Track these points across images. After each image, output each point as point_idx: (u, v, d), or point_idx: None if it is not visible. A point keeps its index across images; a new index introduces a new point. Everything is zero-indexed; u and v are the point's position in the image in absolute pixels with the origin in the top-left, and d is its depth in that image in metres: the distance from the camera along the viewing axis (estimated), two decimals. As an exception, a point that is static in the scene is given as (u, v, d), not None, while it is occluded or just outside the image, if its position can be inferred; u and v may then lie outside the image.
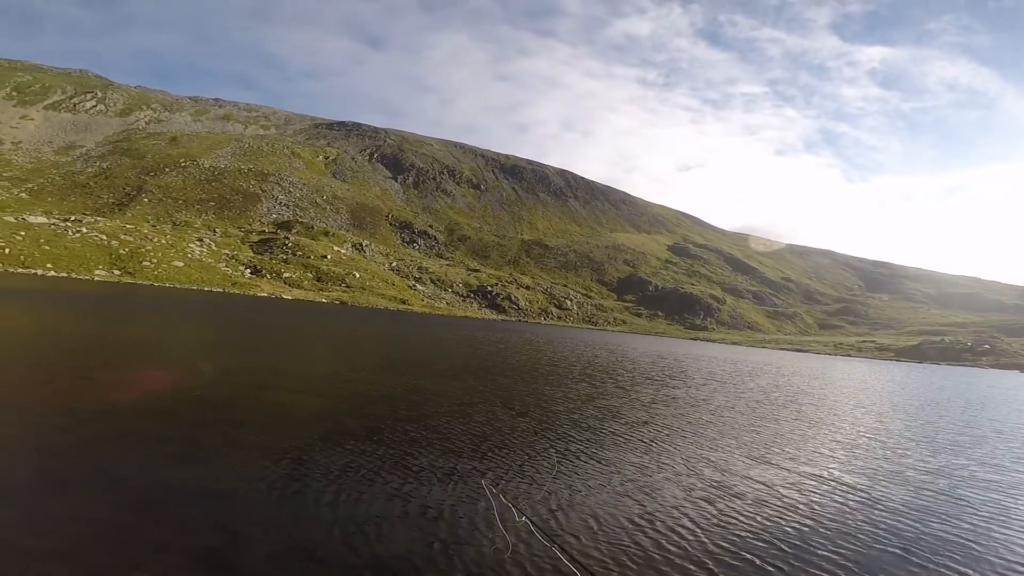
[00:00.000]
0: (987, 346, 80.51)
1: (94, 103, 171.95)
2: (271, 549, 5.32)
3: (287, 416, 10.51)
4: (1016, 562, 7.04)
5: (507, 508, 6.46)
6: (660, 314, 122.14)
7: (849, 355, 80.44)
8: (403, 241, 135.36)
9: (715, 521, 7.20)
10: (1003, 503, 9.58)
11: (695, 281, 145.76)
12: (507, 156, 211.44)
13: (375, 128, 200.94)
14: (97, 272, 61.09)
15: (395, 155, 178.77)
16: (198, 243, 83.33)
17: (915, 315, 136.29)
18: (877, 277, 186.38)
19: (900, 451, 13.33)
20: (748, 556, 6.29)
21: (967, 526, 8.23)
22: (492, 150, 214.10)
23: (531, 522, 6.19)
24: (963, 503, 9.39)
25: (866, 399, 24.98)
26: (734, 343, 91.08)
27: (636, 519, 7.07)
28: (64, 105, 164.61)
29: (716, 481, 9.02)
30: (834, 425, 16.49)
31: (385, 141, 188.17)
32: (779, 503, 8.35)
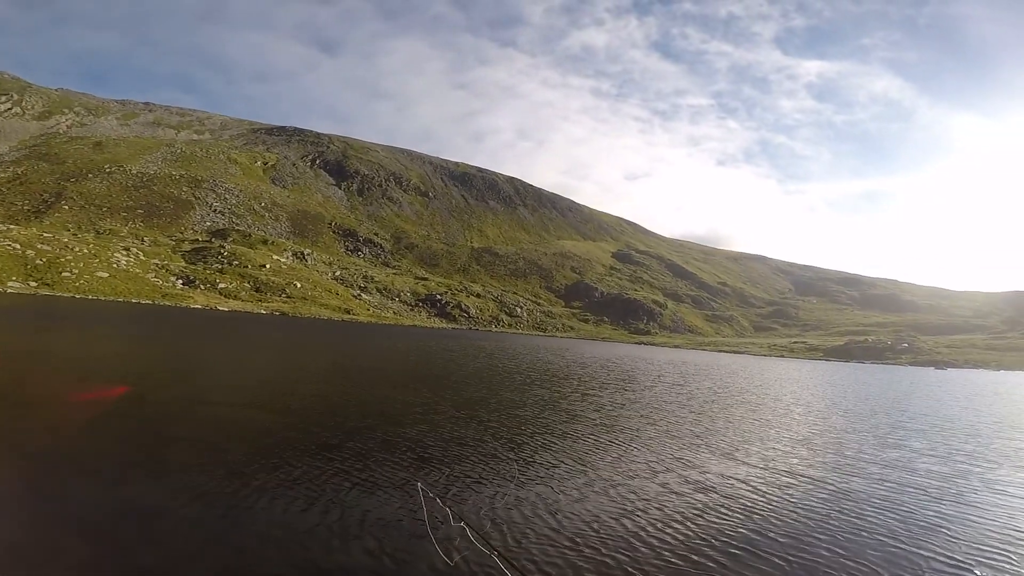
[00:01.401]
0: (905, 344, 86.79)
1: (9, 106, 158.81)
2: (210, 565, 5.07)
3: (227, 431, 10.01)
4: (977, 541, 7.60)
5: (451, 517, 6.32)
6: (606, 319, 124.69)
7: (783, 355, 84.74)
8: (347, 249, 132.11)
9: (676, 524, 7.35)
10: (953, 489, 10.45)
11: (638, 287, 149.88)
12: (456, 163, 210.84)
13: (318, 134, 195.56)
14: (11, 283, 56.28)
15: (339, 161, 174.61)
16: (124, 252, 78.29)
17: (841, 316, 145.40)
18: (806, 281, 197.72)
19: (851, 445, 14.24)
20: (710, 556, 6.44)
21: (926, 511, 8.92)
22: (441, 157, 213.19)
23: (470, 527, 6.10)
24: (918, 490, 10.19)
25: (807, 397, 26.42)
26: (676, 346, 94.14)
27: (591, 525, 7.13)
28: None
29: (675, 482, 9.23)
30: (785, 422, 17.35)
31: (328, 147, 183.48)
32: (748, 500, 8.66)
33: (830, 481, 10.21)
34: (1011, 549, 7.32)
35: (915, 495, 9.74)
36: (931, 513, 8.74)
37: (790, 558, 6.44)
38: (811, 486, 9.72)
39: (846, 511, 8.45)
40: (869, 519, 8.15)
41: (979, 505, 9.38)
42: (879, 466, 11.85)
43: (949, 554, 7.03)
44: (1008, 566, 6.78)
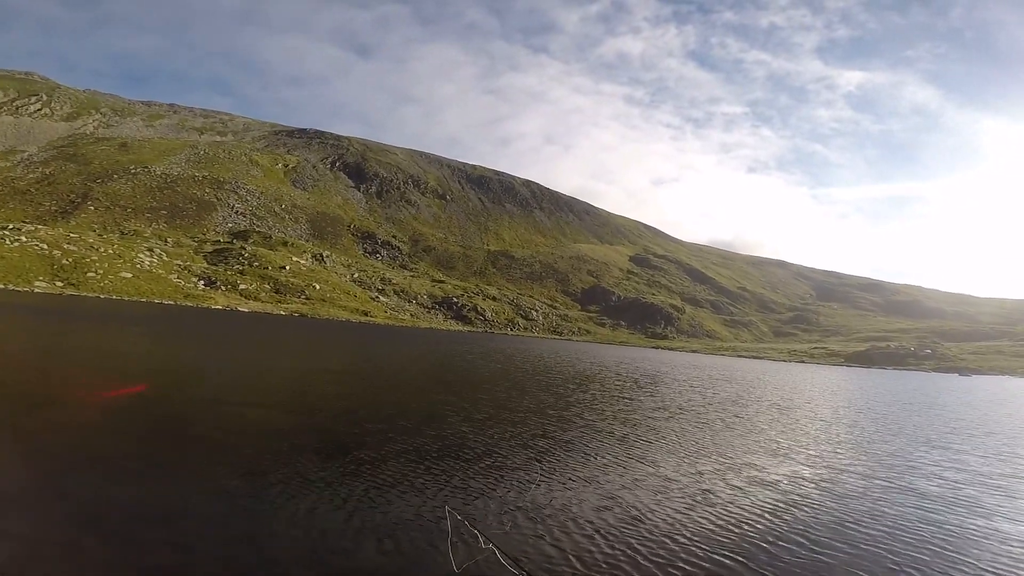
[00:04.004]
0: (929, 351, 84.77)
1: (39, 106, 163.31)
2: (225, 566, 5.06)
3: (245, 431, 10.07)
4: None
5: (473, 534, 6.24)
6: (622, 323, 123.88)
7: (803, 361, 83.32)
8: (365, 252, 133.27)
9: (718, 540, 7.19)
10: (1005, 487, 10.59)
11: (656, 291, 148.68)
12: (473, 166, 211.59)
13: (337, 136, 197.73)
14: (37, 283, 57.75)
15: (358, 164, 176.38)
16: (148, 253, 79.92)
17: (863, 322, 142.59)
18: (828, 286, 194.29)
19: (899, 448, 14.26)
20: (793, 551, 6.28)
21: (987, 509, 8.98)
22: (459, 160, 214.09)
23: (497, 549, 5.96)
24: (982, 487, 10.34)
25: (839, 402, 26.18)
26: (693, 351, 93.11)
27: (625, 542, 6.99)
28: (5, 108, 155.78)
29: (716, 493, 9.03)
30: (828, 425, 17.40)
31: (348, 149, 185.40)
32: (811, 499, 8.79)
33: (885, 478, 10.27)
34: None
35: (974, 490, 9.89)
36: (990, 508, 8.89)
37: (875, 551, 6.29)
38: (895, 486, 9.91)
39: (919, 506, 8.64)
40: (949, 518, 8.29)
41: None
42: (932, 465, 12.02)
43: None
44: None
